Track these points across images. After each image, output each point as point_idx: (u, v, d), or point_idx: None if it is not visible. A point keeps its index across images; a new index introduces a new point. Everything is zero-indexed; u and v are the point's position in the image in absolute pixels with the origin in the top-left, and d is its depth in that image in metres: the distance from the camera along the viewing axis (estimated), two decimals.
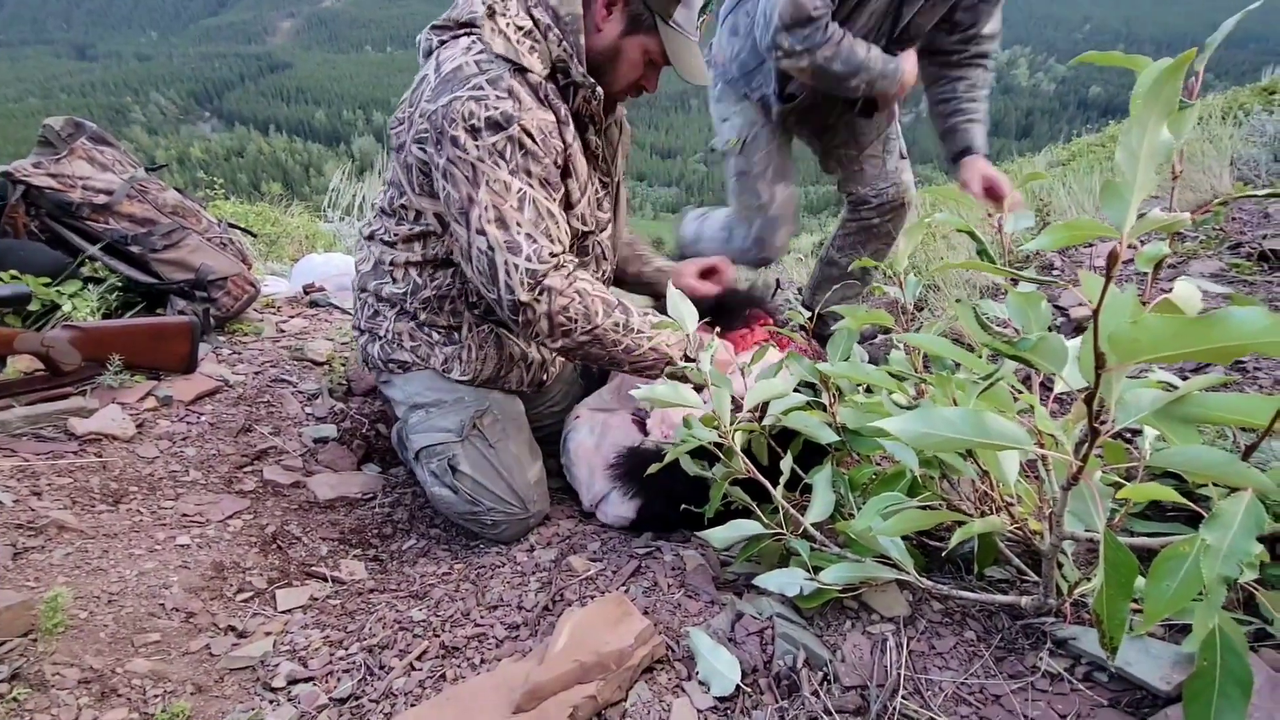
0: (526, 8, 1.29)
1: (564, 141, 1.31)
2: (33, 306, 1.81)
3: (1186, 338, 0.42)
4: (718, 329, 1.50)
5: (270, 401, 1.88)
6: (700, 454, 1.13)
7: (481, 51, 1.25)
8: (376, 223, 1.48)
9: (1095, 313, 0.45)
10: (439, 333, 1.47)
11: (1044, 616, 0.88)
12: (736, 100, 2.13)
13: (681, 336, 1.38)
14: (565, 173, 1.33)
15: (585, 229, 1.42)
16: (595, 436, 1.50)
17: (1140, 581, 0.56)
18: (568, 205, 1.36)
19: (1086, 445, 0.55)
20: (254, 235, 2.94)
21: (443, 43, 1.31)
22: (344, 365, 2.12)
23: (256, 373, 2.00)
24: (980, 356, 0.84)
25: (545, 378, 1.63)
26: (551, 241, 1.27)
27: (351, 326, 1.60)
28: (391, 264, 1.45)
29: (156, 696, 0.99)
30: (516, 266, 1.24)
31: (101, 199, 1.98)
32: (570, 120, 1.32)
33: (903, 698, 0.82)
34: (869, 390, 1.13)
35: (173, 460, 1.57)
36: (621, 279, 1.76)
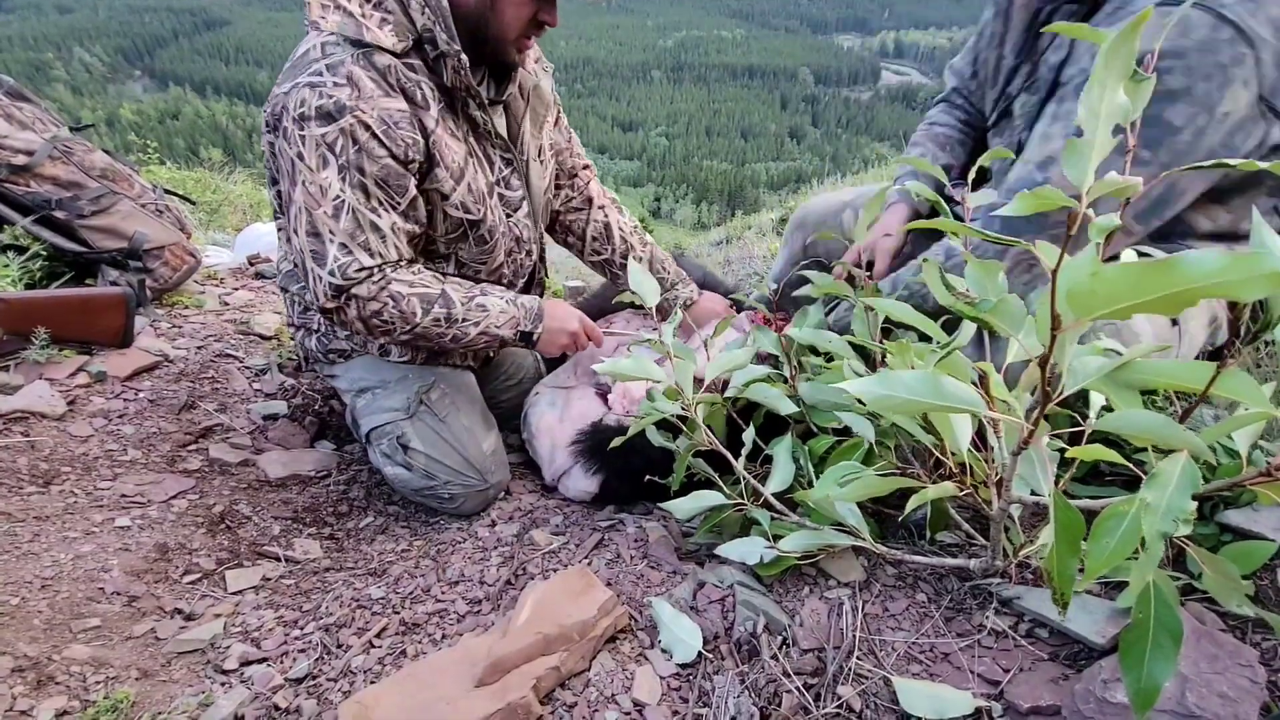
0: None
1: (422, 130, 1.17)
2: None
3: (1144, 285, 0.41)
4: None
5: (214, 377, 1.80)
6: (664, 425, 1.13)
7: (331, 34, 1.12)
8: (281, 218, 1.38)
9: (1054, 273, 0.46)
10: None
11: (990, 578, 0.92)
12: None
13: (512, 314, 1.32)
14: (431, 162, 1.20)
15: (470, 218, 1.28)
16: (557, 410, 1.49)
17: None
18: (442, 196, 1.24)
19: (1038, 409, 0.57)
20: (193, 203, 2.78)
21: (312, 23, 1.17)
22: (294, 339, 2.04)
23: (199, 347, 1.91)
24: (937, 322, 0.85)
25: (490, 351, 1.59)
26: (370, 255, 1.16)
27: (285, 323, 1.52)
28: None
29: (98, 683, 0.95)
30: (320, 278, 1.16)
31: (21, 159, 1.84)
32: (434, 102, 1.18)
33: (857, 658, 0.85)
34: (829, 359, 1.14)
35: (109, 439, 1.49)
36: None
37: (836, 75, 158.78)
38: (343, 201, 1.13)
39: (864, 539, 0.90)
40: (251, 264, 2.58)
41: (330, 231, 1.14)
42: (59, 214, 1.86)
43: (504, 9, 1.16)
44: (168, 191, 2.23)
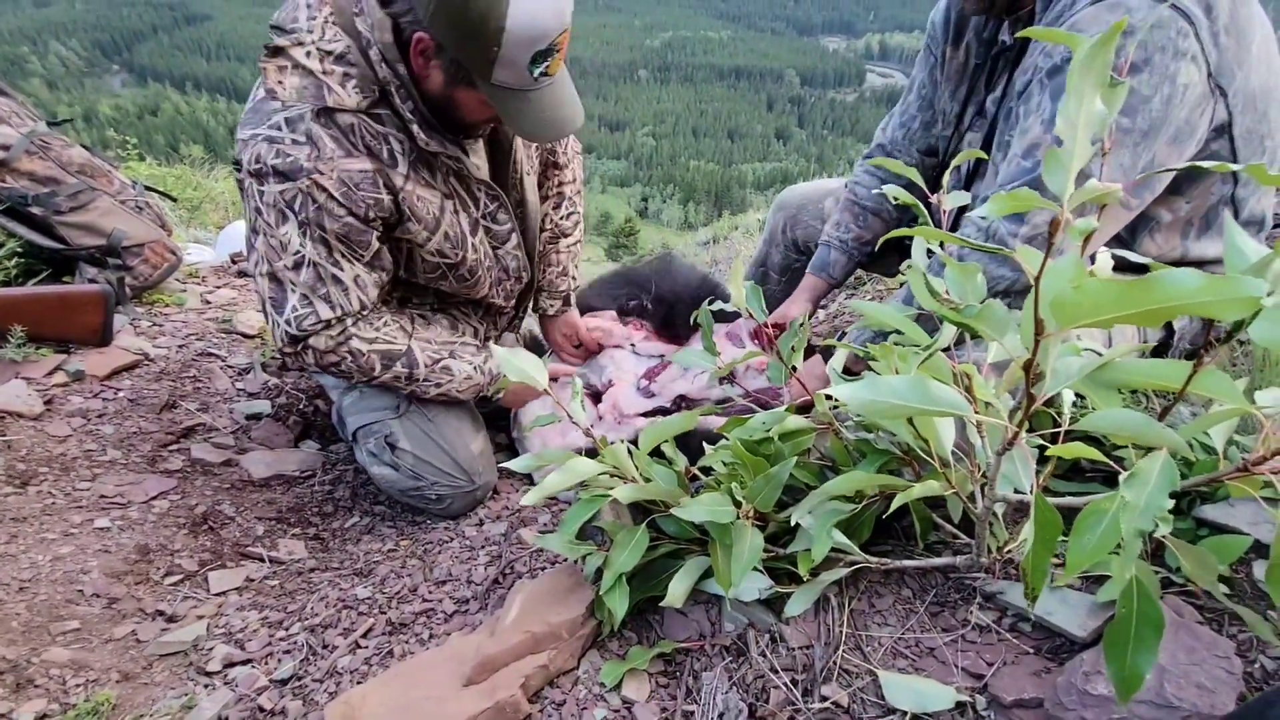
0: (347, 17, 1.06)
1: (389, 188, 1.14)
2: None
3: (1127, 300, 0.43)
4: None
5: (196, 376, 1.78)
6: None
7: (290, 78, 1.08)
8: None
9: (1036, 280, 0.47)
10: None
11: (975, 573, 0.94)
12: None
13: (476, 381, 1.36)
14: (402, 217, 1.19)
15: (448, 261, 1.29)
16: (548, 410, 1.49)
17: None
18: (418, 244, 1.24)
19: (1022, 411, 0.58)
20: (174, 200, 2.74)
21: (269, 90, 1.11)
22: None
23: (180, 346, 1.88)
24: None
25: None
26: (331, 308, 1.16)
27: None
28: None
29: (78, 686, 0.94)
30: (277, 324, 1.18)
31: None
32: (403, 156, 1.14)
33: (844, 653, 0.86)
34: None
35: (88, 439, 1.46)
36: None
37: (822, 77, 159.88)
38: (303, 256, 1.13)
39: (855, 554, 0.90)
40: (234, 262, 2.55)
41: (291, 282, 1.15)
42: (36, 210, 1.83)
43: (464, 112, 1.15)
44: (148, 188, 2.19)
